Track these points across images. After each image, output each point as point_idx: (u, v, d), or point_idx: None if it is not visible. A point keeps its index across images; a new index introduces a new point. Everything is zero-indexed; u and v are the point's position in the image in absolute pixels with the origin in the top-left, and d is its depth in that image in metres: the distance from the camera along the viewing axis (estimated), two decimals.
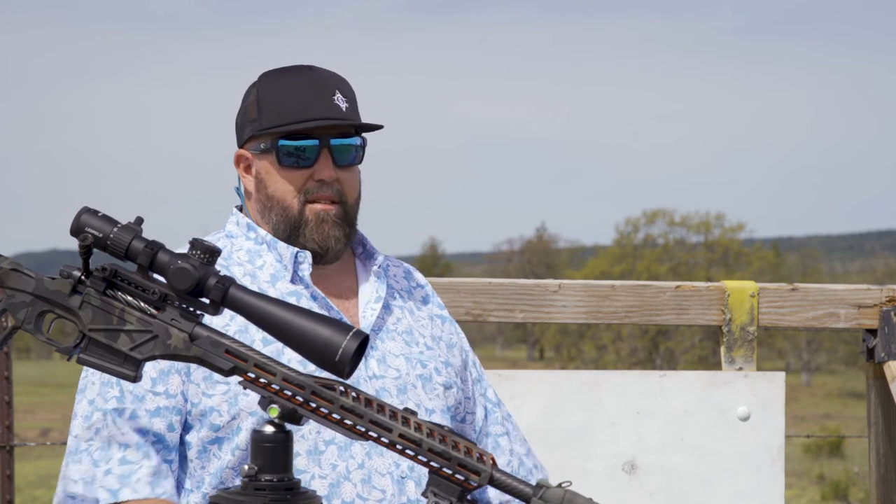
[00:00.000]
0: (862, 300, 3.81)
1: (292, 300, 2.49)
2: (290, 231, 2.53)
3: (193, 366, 2.42)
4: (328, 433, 2.41)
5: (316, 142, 2.51)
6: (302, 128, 2.50)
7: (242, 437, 2.41)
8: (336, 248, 2.55)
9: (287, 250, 2.54)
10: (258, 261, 2.55)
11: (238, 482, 2.38)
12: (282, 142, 2.51)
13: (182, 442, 2.45)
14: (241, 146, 2.60)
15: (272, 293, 2.47)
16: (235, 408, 2.41)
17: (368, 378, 2.49)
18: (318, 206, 2.53)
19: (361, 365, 2.52)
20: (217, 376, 2.41)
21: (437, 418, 2.53)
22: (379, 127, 2.58)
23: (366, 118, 2.60)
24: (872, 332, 3.81)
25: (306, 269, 2.53)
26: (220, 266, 2.48)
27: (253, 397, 2.40)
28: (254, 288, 2.46)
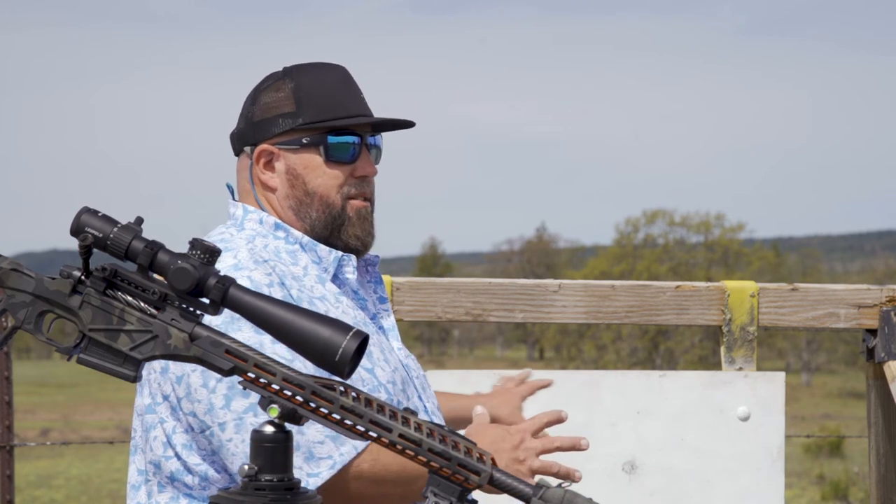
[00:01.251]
0: (862, 300, 3.81)
1: (344, 301, 2.49)
2: (332, 228, 2.52)
3: None
4: None
5: (359, 139, 2.53)
6: (353, 123, 2.51)
7: None
8: (371, 244, 2.57)
9: (330, 254, 2.51)
10: (301, 260, 2.51)
11: None
12: (331, 137, 2.50)
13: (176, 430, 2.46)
14: (260, 141, 2.54)
15: (318, 293, 2.46)
16: None
17: (420, 376, 2.53)
18: (357, 203, 2.53)
19: (413, 365, 2.57)
20: None
21: (439, 418, 2.55)
22: (411, 124, 2.59)
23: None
24: (872, 332, 3.81)
25: (351, 271, 2.52)
26: (268, 262, 2.46)
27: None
28: (302, 290, 2.45)
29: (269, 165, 2.53)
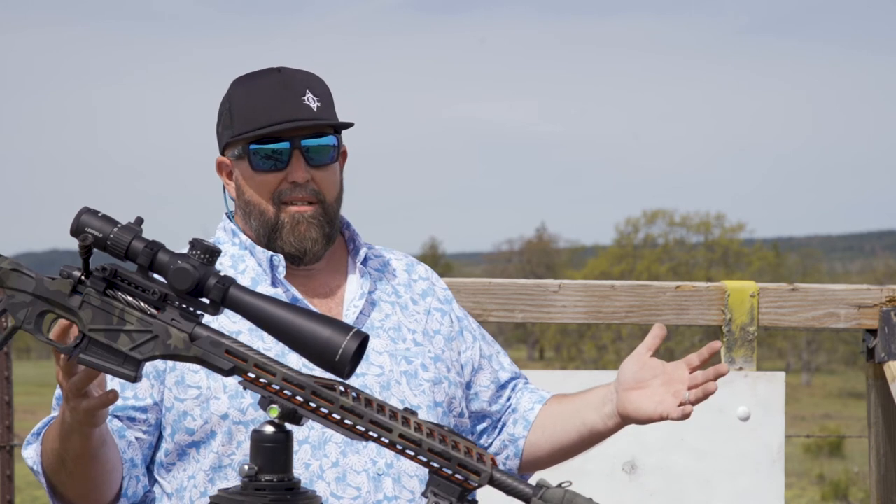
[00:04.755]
0: (862, 300, 3.81)
1: None
2: (269, 235, 2.55)
3: (167, 370, 2.45)
4: (302, 432, 2.42)
5: (287, 144, 2.52)
6: (269, 131, 2.51)
7: (218, 441, 2.43)
8: (314, 249, 2.55)
9: (263, 255, 2.56)
10: (241, 265, 2.57)
11: (216, 486, 2.41)
12: (252, 146, 2.53)
13: (158, 446, 2.50)
14: (221, 153, 2.62)
15: None
16: (207, 412, 2.43)
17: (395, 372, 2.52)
18: (293, 208, 2.54)
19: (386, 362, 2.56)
20: (189, 380, 2.45)
21: (423, 414, 2.54)
22: (349, 125, 2.59)
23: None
24: (872, 332, 3.81)
25: (282, 272, 2.55)
26: None
27: (223, 401, 2.44)
28: None
29: (230, 176, 2.61)
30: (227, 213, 2.67)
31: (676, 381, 2.50)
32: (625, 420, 2.57)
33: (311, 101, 2.53)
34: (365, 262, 2.64)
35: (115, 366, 1.93)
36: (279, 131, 2.51)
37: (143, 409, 2.46)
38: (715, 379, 2.48)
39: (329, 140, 2.55)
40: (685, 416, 2.47)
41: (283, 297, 2.53)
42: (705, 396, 2.47)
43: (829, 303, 3.82)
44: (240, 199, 2.58)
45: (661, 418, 2.49)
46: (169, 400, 2.46)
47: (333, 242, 2.60)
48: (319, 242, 2.55)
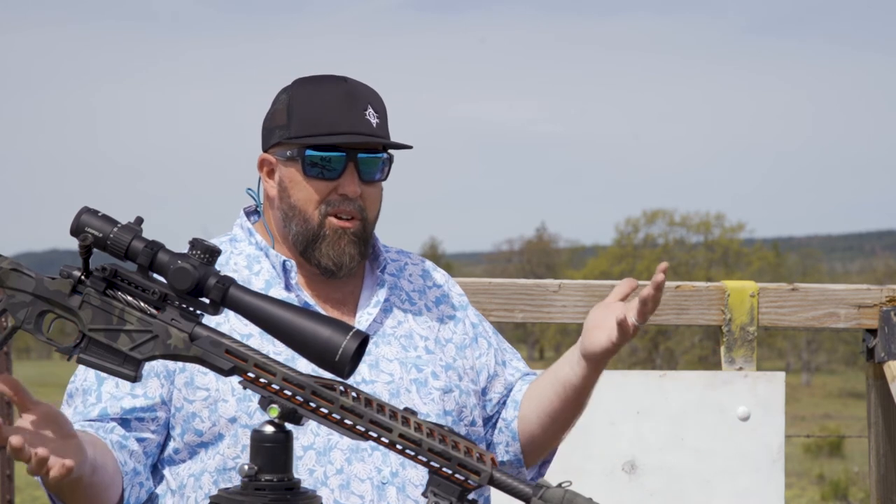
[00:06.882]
0: (862, 300, 3.82)
1: None
2: (308, 243, 2.52)
3: (177, 371, 2.45)
4: (307, 438, 2.42)
5: (343, 155, 2.49)
6: (330, 141, 2.48)
7: (225, 444, 2.43)
8: (350, 265, 2.53)
9: (277, 259, 2.54)
10: (255, 266, 2.55)
11: (218, 487, 2.41)
12: (308, 152, 2.49)
13: (165, 445, 2.49)
14: (266, 150, 2.57)
15: None
16: (215, 414, 2.43)
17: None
18: (337, 222, 2.50)
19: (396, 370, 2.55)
20: (198, 382, 2.44)
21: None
22: (407, 146, 2.57)
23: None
24: (872, 332, 3.81)
25: (294, 277, 2.54)
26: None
27: (231, 404, 2.43)
28: None
29: (271, 174, 2.57)
30: (245, 210, 2.64)
31: (630, 311, 2.48)
32: (588, 360, 2.53)
33: (372, 116, 2.51)
34: (383, 269, 2.63)
35: (114, 366, 1.93)
36: (338, 142, 2.49)
37: (152, 409, 2.45)
38: (654, 290, 2.43)
39: (382, 156, 2.53)
40: (626, 331, 2.45)
41: (295, 303, 2.51)
42: (644, 306, 2.45)
43: (829, 303, 3.82)
44: (282, 202, 2.53)
45: (611, 342, 2.47)
46: (178, 400, 2.45)
47: (366, 259, 2.59)
48: (355, 259, 2.53)
